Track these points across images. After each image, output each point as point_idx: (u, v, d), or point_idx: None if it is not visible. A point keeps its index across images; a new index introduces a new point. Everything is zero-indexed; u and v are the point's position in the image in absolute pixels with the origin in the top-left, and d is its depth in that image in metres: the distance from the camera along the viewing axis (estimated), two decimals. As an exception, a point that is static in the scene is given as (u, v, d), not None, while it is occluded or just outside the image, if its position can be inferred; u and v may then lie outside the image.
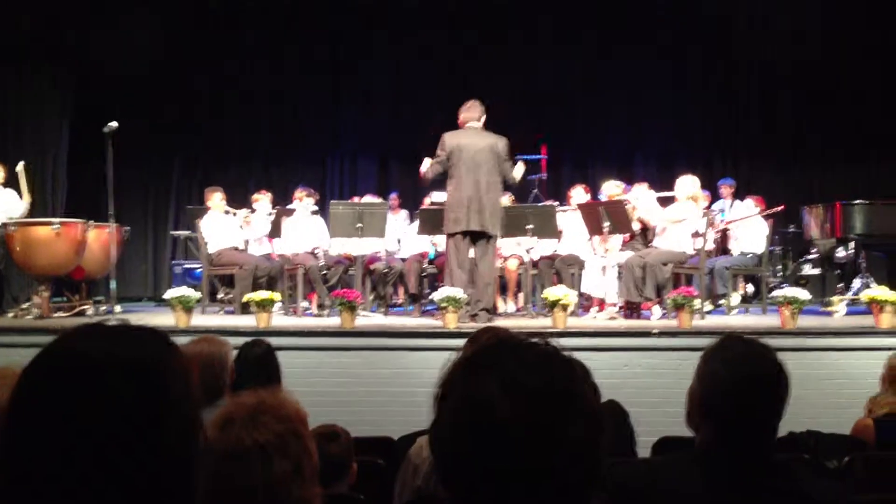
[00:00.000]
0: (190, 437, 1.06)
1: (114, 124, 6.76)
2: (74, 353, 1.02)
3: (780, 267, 9.91)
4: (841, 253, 8.39)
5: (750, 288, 9.19)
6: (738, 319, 7.64)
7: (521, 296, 8.49)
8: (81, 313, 7.87)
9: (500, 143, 6.96)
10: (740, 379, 1.78)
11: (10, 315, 7.67)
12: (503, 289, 8.48)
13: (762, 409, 1.79)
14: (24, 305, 7.71)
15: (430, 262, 8.58)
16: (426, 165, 7.15)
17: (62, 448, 0.97)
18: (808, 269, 9.55)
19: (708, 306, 7.75)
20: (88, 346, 1.02)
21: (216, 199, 8.68)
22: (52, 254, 7.45)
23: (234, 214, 8.85)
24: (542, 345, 1.12)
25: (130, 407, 0.99)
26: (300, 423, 1.83)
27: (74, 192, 10.16)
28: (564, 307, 6.38)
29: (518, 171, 7.30)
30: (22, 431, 0.99)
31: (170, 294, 6.64)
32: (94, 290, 8.92)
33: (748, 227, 8.47)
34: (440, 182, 7.29)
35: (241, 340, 4.37)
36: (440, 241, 8.00)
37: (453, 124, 7.14)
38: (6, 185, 8.15)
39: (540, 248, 8.33)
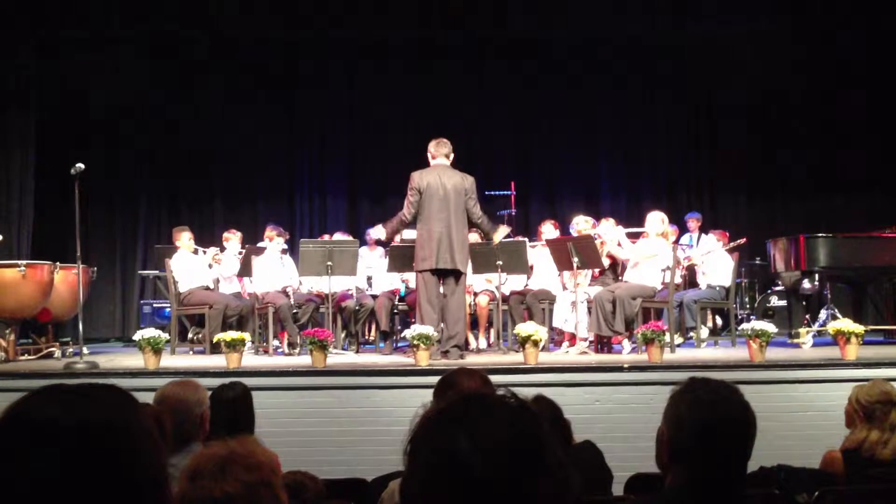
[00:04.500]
0: (159, 493, 1.06)
1: (80, 166, 6.71)
2: (37, 421, 1.00)
3: (747, 299, 10.04)
4: (806, 285, 8.51)
5: (718, 320, 9.29)
6: (708, 352, 7.70)
7: (492, 331, 8.50)
8: (48, 356, 7.76)
9: (467, 181, 7.02)
10: (707, 422, 1.80)
11: (-26, 359, 7.54)
12: (474, 325, 8.49)
13: (730, 451, 1.81)
14: (-10, 349, 7.59)
15: (401, 299, 8.58)
16: (381, 232, 7.36)
17: None
18: (774, 301, 9.69)
19: (678, 339, 7.82)
20: (51, 413, 1.01)
21: (184, 239, 8.63)
22: (18, 296, 7.36)
23: (204, 253, 8.80)
24: (509, 398, 1.13)
25: (97, 471, 0.98)
26: (271, 473, 1.82)
27: (41, 233, 10.07)
28: (536, 343, 6.39)
29: (500, 234, 7.38)
30: None
31: (139, 335, 6.55)
32: (61, 332, 8.80)
33: (715, 260, 8.58)
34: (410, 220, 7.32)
35: (211, 381, 4.33)
36: (411, 279, 8.01)
37: (421, 163, 7.21)
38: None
39: (510, 283, 8.36)
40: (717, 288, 8.38)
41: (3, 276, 7.36)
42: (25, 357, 7.62)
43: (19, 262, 7.61)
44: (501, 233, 7.44)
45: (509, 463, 1.04)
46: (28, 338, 8.33)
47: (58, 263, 7.80)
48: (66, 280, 7.83)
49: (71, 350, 7.95)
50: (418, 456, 1.10)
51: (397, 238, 8.81)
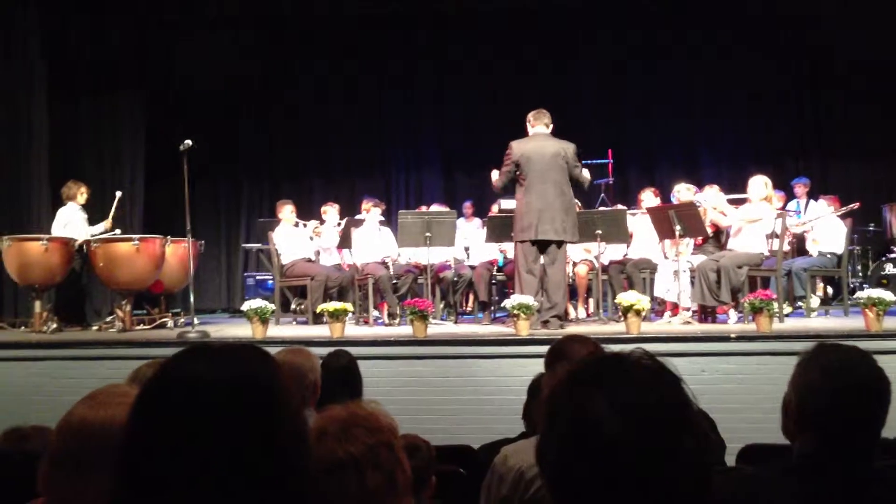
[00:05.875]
0: (302, 445, 1.09)
1: (189, 142, 6.93)
2: (189, 378, 1.05)
3: (859, 267, 9.61)
4: (925, 251, 8.08)
5: (829, 289, 8.93)
6: (820, 322, 7.43)
7: (590, 301, 8.41)
8: (162, 326, 8.10)
9: (569, 148, 6.91)
10: (840, 388, 1.72)
11: (95, 328, 7.96)
12: (573, 295, 8.41)
13: (864, 417, 1.73)
14: (108, 319, 8.00)
15: (500, 269, 8.57)
16: (497, 176, 7.17)
17: (185, 468, 0.99)
18: (889, 269, 9.24)
19: (786, 309, 7.56)
20: (201, 370, 1.05)
21: (287, 212, 8.83)
22: (132, 269, 7.69)
23: (304, 226, 8.99)
24: (646, 360, 1.10)
25: (246, 424, 1.01)
26: (391, 435, 1.84)
27: (151, 208, 10.47)
28: (638, 312, 6.30)
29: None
30: (143, 454, 1.02)
31: (247, 306, 6.78)
32: (172, 303, 9.16)
33: (826, 227, 8.23)
34: (509, 189, 7.28)
35: (316, 350, 4.43)
36: (509, 249, 7.98)
37: (519, 133, 7.13)
38: (87, 205, 8.46)
39: (609, 252, 8.24)
40: (829, 255, 8.05)
41: (119, 249, 7.71)
42: (141, 327, 7.98)
43: (133, 236, 7.96)
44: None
45: (651, 427, 1.02)
46: (142, 309, 8.72)
47: (168, 237, 8.11)
48: (177, 253, 8.15)
49: (182, 320, 8.28)
50: (556, 421, 1.07)
51: (495, 209, 8.81)
